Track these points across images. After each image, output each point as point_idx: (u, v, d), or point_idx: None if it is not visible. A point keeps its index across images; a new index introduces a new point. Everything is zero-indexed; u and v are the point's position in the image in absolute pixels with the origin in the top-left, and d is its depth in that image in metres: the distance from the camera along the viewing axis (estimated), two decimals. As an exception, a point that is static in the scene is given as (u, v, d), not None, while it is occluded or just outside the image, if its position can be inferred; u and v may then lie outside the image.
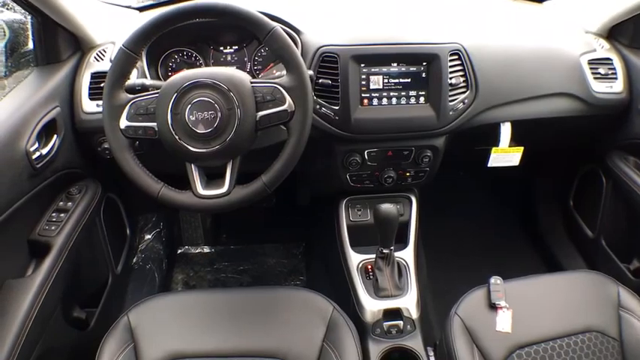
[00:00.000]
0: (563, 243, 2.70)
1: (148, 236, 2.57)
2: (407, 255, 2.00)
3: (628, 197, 2.13)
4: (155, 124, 1.39)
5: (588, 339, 1.55)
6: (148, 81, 1.56)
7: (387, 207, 1.73)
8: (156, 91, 1.42)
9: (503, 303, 1.61)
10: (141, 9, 2.05)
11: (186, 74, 1.41)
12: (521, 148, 2.02)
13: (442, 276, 2.43)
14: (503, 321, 1.58)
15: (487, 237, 2.86)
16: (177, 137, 1.37)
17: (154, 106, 1.40)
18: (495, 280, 1.67)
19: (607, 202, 2.33)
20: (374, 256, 1.90)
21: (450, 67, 1.80)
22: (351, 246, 2.03)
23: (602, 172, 2.35)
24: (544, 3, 2.43)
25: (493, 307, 1.61)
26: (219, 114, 1.37)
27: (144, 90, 1.49)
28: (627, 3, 2.05)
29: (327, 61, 1.75)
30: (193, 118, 1.36)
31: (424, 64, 1.79)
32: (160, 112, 1.38)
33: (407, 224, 2.09)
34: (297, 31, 1.81)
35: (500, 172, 2.10)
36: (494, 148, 2.00)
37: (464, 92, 1.84)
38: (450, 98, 1.81)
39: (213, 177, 1.47)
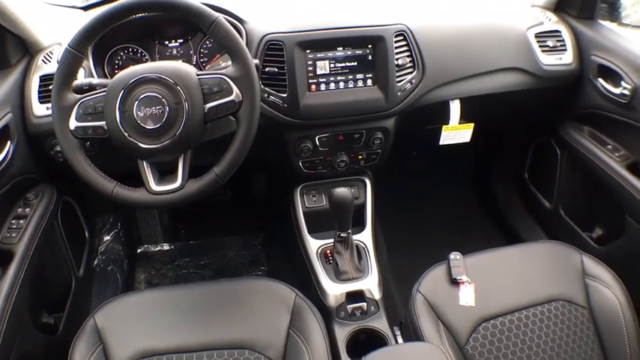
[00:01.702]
0: (522, 216, 2.78)
1: (107, 237, 2.59)
2: (365, 237, 2.06)
3: (584, 166, 2.20)
4: (104, 122, 1.42)
5: (555, 308, 1.61)
6: (95, 80, 1.57)
7: (342, 191, 1.78)
8: (103, 90, 1.44)
9: (464, 277, 1.66)
10: (85, 8, 2.06)
11: (132, 70, 1.43)
12: (472, 125, 2.09)
13: (403, 256, 2.49)
14: (466, 295, 1.63)
15: (445, 215, 2.92)
16: (126, 134, 1.40)
17: (102, 104, 1.42)
18: (455, 256, 1.72)
19: (563, 173, 2.41)
20: (332, 240, 1.95)
21: (396, 48, 1.86)
22: (309, 232, 2.07)
23: (555, 144, 2.43)
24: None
25: (455, 282, 1.66)
26: (167, 108, 1.39)
27: (91, 89, 1.50)
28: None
29: (273, 49, 1.78)
30: (142, 114, 1.39)
31: (370, 46, 1.84)
32: (108, 111, 1.41)
33: (363, 207, 2.14)
34: (241, 21, 1.84)
35: (455, 149, 2.16)
36: (444, 126, 2.06)
37: (411, 72, 1.90)
38: (398, 79, 1.87)
39: (166, 172, 1.50)
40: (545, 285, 1.67)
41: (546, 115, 2.42)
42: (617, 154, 2.09)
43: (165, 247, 2.83)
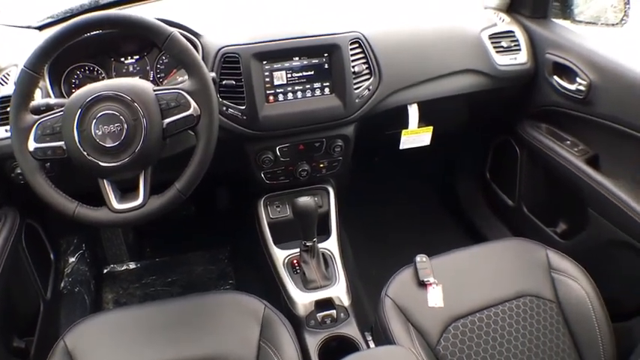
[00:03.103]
0: (486, 215, 2.85)
1: (72, 259, 2.59)
2: (331, 245, 2.10)
3: (544, 163, 2.27)
4: (63, 142, 1.43)
5: (523, 303, 1.66)
6: (52, 100, 1.57)
7: (305, 200, 1.82)
8: (61, 110, 1.45)
9: (431, 279, 1.71)
10: (40, 28, 2.07)
11: (88, 89, 1.44)
12: (431, 128, 2.14)
13: (370, 261, 2.53)
14: (435, 296, 1.68)
15: (410, 218, 2.97)
16: (85, 154, 1.41)
17: (60, 124, 1.43)
18: (421, 258, 1.77)
19: (523, 171, 2.48)
20: (298, 250, 1.99)
21: (352, 55, 1.90)
22: (275, 243, 2.10)
23: (515, 143, 2.49)
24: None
25: (422, 284, 1.70)
26: (126, 126, 1.41)
27: (49, 109, 1.51)
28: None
29: (229, 62, 1.81)
30: (100, 133, 1.41)
31: (325, 55, 1.89)
32: (66, 131, 1.42)
33: (327, 215, 2.18)
34: (197, 35, 1.86)
35: (416, 152, 2.21)
36: (404, 131, 2.11)
37: (368, 79, 1.95)
38: (355, 86, 1.91)
39: (127, 190, 1.51)
40: (512, 281, 1.72)
41: (505, 114, 2.48)
42: (575, 149, 2.15)
43: (132, 265, 2.83)
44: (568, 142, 2.21)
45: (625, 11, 2.09)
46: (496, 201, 2.75)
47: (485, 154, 2.77)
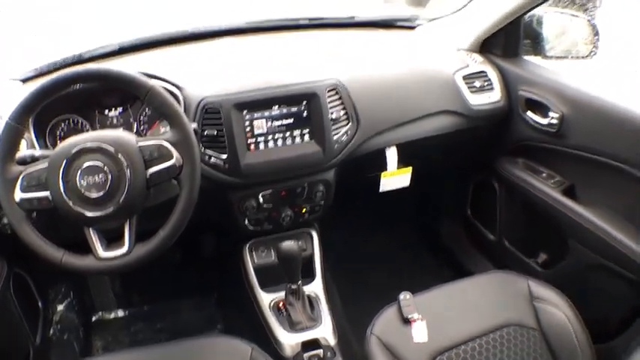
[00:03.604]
0: (468, 250, 2.90)
1: (61, 307, 2.60)
2: (316, 287, 2.13)
3: (523, 197, 2.33)
4: (48, 193, 1.47)
5: (507, 333, 1.71)
6: (38, 151, 1.60)
7: (288, 244, 1.86)
8: (46, 160, 1.49)
9: (415, 315, 1.74)
10: (24, 80, 2.09)
11: (73, 141, 1.49)
12: (410, 169, 2.21)
13: (356, 301, 2.52)
14: (419, 332, 1.71)
15: (394, 256, 3.01)
16: (71, 204, 1.45)
17: (46, 175, 1.47)
18: (405, 295, 1.81)
19: (503, 206, 2.54)
20: (284, 293, 2.02)
21: (330, 102, 1.96)
22: (261, 287, 2.13)
23: (494, 179, 2.55)
24: (416, 29, 2.65)
25: (407, 321, 1.74)
26: (110, 176, 1.46)
27: (34, 161, 1.54)
28: (493, 16, 2.29)
29: (211, 112, 1.86)
30: (85, 183, 1.45)
31: (304, 102, 1.94)
32: (52, 181, 1.46)
33: (311, 258, 2.22)
34: (178, 87, 1.90)
35: (397, 191, 2.26)
36: (383, 173, 2.17)
37: (346, 125, 2.01)
38: (334, 132, 1.97)
39: (113, 238, 1.55)
40: (495, 313, 1.77)
41: (482, 152, 2.54)
42: (552, 181, 2.22)
43: (120, 313, 2.84)
44: (544, 174, 2.28)
45: (594, 43, 2.19)
46: (478, 236, 2.80)
47: (466, 191, 2.83)
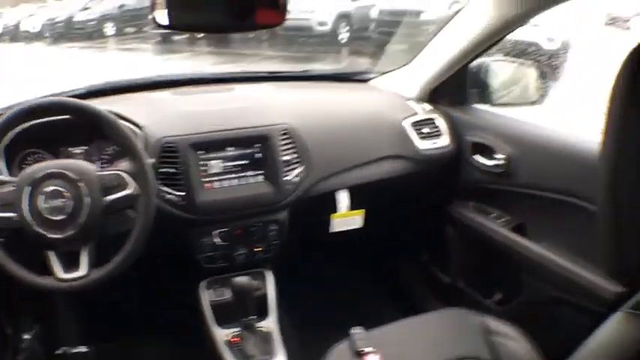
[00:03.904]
0: (425, 293, 2.93)
1: (27, 336, 2.60)
2: (270, 324, 2.16)
3: (475, 238, 2.41)
4: (15, 214, 1.59)
5: None
6: (6, 177, 1.75)
7: (242, 279, 1.95)
8: (13, 184, 1.63)
9: (368, 349, 1.70)
10: None
11: (38, 167, 1.65)
12: (362, 211, 2.29)
13: (311, 338, 2.55)
14: None
15: (350, 295, 3.00)
16: (34, 225, 1.58)
17: (13, 196, 1.60)
18: (357, 330, 1.78)
19: (457, 248, 2.61)
20: (239, 329, 2.07)
21: (282, 145, 2.06)
22: (217, 323, 2.15)
23: (447, 222, 2.62)
24: (369, 82, 2.78)
25: (359, 354, 1.68)
26: (72, 201, 1.59)
27: (3, 184, 1.67)
28: (438, 67, 2.43)
29: (168, 151, 1.94)
30: (47, 207, 1.58)
31: (258, 145, 2.04)
32: (18, 203, 1.59)
33: (265, 297, 2.24)
34: (138, 126, 1.98)
35: (353, 232, 2.33)
36: (333, 215, 2.25)
37: (298, 167, 2.09)
38: (286, 174, 2.06)
39: (72, 261, 1.65)
40: (451, 348, 1.73)
41: (434, 195, 2.63)
42: (502, 220, 2.31)
43: (83, 349, 2.87)
44: (494, 214, 2.36)
45: (543, 88, 2.33)
46: (433, 279, 2.85)
47: (421, 234, 2.89)
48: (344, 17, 13.39)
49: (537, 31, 7.23)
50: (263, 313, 2.19)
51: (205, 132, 2.02)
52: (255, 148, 2.06)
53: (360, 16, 13.29)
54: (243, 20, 1.24)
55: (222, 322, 2.17)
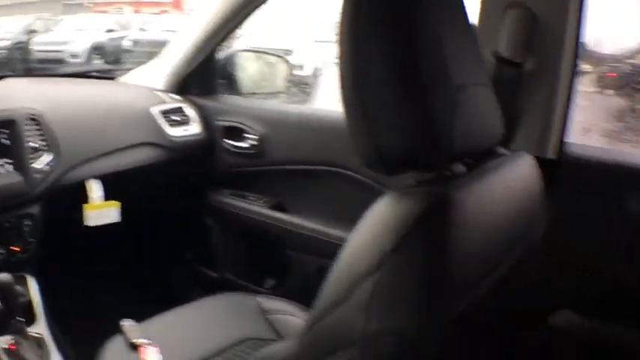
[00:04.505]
0: (195, 292, 2.74)
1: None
2: (40, 329, 2.02)
3: (236, 225, 2.49)
4: None
5: (248, 347, 1.71)
6: None
7: (2, 277, 1.81)
8: None
9: (143, 340, 1.69)
10: None
11: None
12: (116, 203, 2.22)
13: (85, 336, 2.49)
14: (151, 358, 1.64)
15: (123, 298, 2.76)
16: None
17: None
18: (128, 322, 1.78)
19: (220, 240, 2.66)
20: (13, 335, 1.91)
21: (29, 131, 1.97)
22: None
23: (208, 214, 2.67)
24: (116, 79, 2.82)
25: (134, 346, 1.68)
26: None
27: None
28: (179, 59, 2.56)
29: None
30: None
31: (4, 130, 1.94)
32: None
33: (31, 303, 2.08)
34: None
35: (119, 229, 2.27)
36: (86, 205, 2.16)
37: (46, 154, 2.01)
38: (35, 161, 1.97)
39: None
40: (229, 330, 1.78)
41: (191, 187, 2.68)
42: (260, 202, 2.41)
43: None
44: (252, 197, 2.46)
45: (289, 79, 2.47)
46: (202, 276, 2.82)
47: (182, 231, 2.89)
48: (97, 49, 13.25)
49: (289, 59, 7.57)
50: (32, 319, 2.07)
51: None
52: (2, 134, 1.96)
53: (113, 47, 13.27)
54: None
55: None
